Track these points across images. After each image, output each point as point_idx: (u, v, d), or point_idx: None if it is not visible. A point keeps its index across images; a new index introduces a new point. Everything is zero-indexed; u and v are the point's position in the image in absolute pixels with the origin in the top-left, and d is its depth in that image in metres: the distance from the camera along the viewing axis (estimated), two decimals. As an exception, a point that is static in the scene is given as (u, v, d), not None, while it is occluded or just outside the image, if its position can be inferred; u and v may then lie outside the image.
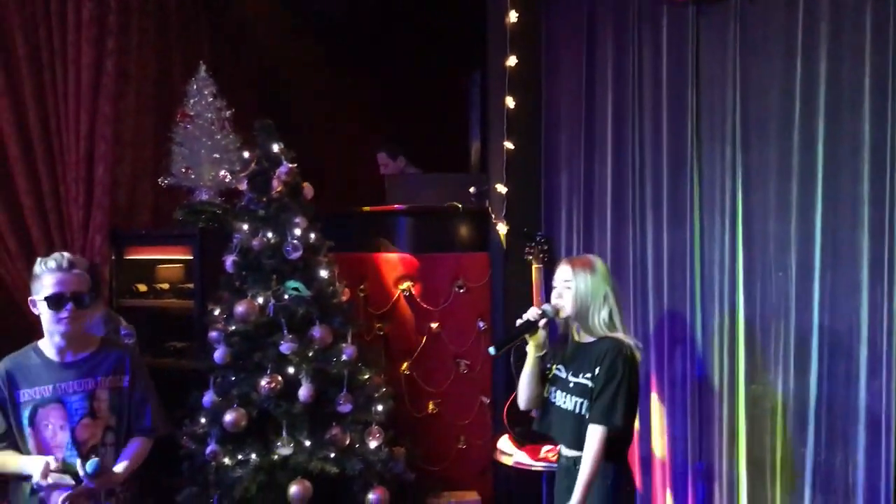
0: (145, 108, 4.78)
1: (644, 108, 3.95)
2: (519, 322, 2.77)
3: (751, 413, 3.53)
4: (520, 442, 4.06)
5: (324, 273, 3.85)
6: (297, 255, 3.74)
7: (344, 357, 3.76)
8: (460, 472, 4.46)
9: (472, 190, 4.64)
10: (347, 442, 3.68)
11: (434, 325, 4.43)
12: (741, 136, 3.57)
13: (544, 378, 2.90)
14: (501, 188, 4.44)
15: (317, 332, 3.70)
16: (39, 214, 4.32)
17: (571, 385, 2.77)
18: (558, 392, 2.82)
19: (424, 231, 4.70)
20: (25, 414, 2.65)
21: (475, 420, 4.49)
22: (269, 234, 3.77)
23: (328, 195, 4.46)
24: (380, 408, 3.82)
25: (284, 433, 3.58)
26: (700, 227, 3.73)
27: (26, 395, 2.67)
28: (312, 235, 3.86)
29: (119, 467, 2.70)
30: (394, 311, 4.48)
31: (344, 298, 3.92)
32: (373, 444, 3.74)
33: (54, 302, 2.62)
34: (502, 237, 4.47)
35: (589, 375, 2.71)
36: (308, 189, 3.93)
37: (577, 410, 2.73)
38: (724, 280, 3.62)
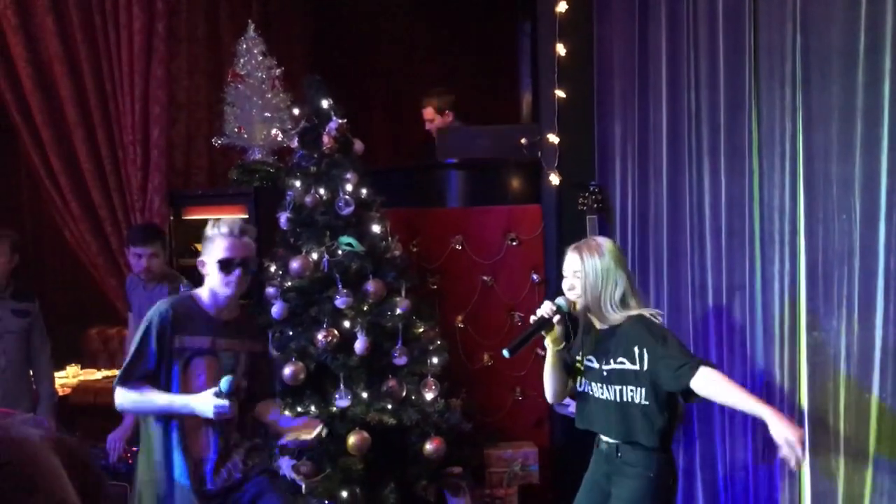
0: (196, 70, 4.83)
1: (700, 49, 3.83)
2: (533, 319, 2.73)
3: (812, 360, 3.45)
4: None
5: (376, 228, 3.88)
6: (349, 210, 3.77)
7: (398, 311, 3.80)
8: (516, 423, 4.49)
9: (523, 141, 4.58)
10: (404, 394, 3.73)
11: (487, 278, 4.43)
12: (801, 75, 3.42)
13: (569, 370, 2.86)
14: (553, 138, 4.38)
15: (370, 286, 3.73)
16: (99, 177, 4.44)
17: (606, 373, 2.73)
18: (593, 384, 2.77)
19: (476, 184, 4.68)
20: (182, 360, 2.76)
21: (530, 372, 4.49)
22: (322, 191, 3.80)
23: (379, 151, 4.46)
24: (435, 360, 3.86)
25: (342, 385, 3.65)
26: (759, 170, 3.62)
27: (186, 341, 2.77)
28: (364, 191, 3.88)
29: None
30: (446, 265, 4.48)
31: (397, 253, 3.94)
32: (429, 396, 3.78)
33: (224, 266, 2.76)
34: (555, 188, 4.42)
35: (623, 360, 2.67)
36: (358, 145, 3.94)
37: (618, 398, 2.69)
38: (784, 225, 3.52)
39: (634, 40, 4.11)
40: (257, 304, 3.97)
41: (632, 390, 2.67)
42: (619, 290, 2.68)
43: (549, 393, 2.90)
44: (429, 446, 3.72)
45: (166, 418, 2.74)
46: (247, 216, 4.40)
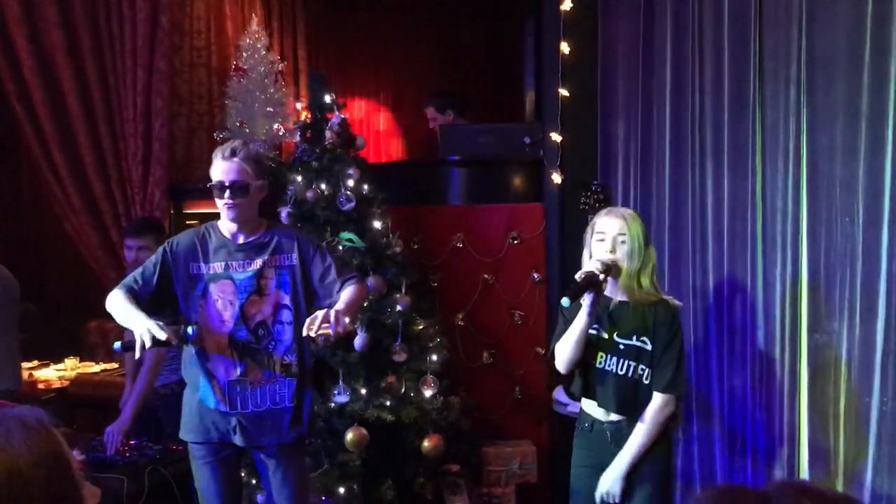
0: (199, 63, 4.83)
1: (704, 50, 3.81)
2: (580, 275, 2.62)
3: (813, 362, 3.44)
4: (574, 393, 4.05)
5: (377, 224, 3.87)
6: (350, 206, 3.76)
7: (398, 307, 3.79)
8: (516, 421, 4.49)
9: (526, 140, 4.57)
10: (403, 390, 3.72)
11: (488, 276, 4.42)
12: (806, 77, 3.41)
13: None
14: (556, 137, 4.37)
15: (371, 282, 3.72)
16: (101, 170, 4.43)
17: (622, 347, 2.68)
18: (602, 354, 2.71)
19: (478, 182, 4.67)
20: (200, 287, 2.82)
21: (530, 370, 4.49)
22: (323, 186, 3.79)
23: (383, 147, 4.46)
24: (434, 357, 3.85)
25: (341, 381, 3.64)
26: (762, 172, 3.61)
27: (202, 268, 2.83)
28: (365, 187, 3.87)
29: (339, 304, 2.73)
30: (447, 262, 4.47)
31: (398, 250, 3.93)
32: (428, 393, 3.78)
33: (217, 189, 2.80)
34: (557, 187, 4.41)
35: (645, 339, 2.64)
36: (361, 140, 3.93)
37: (630, 374, 2.66)
38: (787, 227, 3.51)
39: (639, 40, 4.10)
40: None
41: (643, 369, 2.66)
42: (651, 264, 2.65)
43: (567, 361, 2.74)
44: (427, 444, 3.71)
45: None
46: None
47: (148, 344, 2.53)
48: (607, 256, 2.65)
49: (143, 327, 2.56)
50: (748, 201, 3.65)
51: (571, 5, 4.24)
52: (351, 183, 3.80)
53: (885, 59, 3.14)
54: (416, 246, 4.45)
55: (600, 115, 4.39)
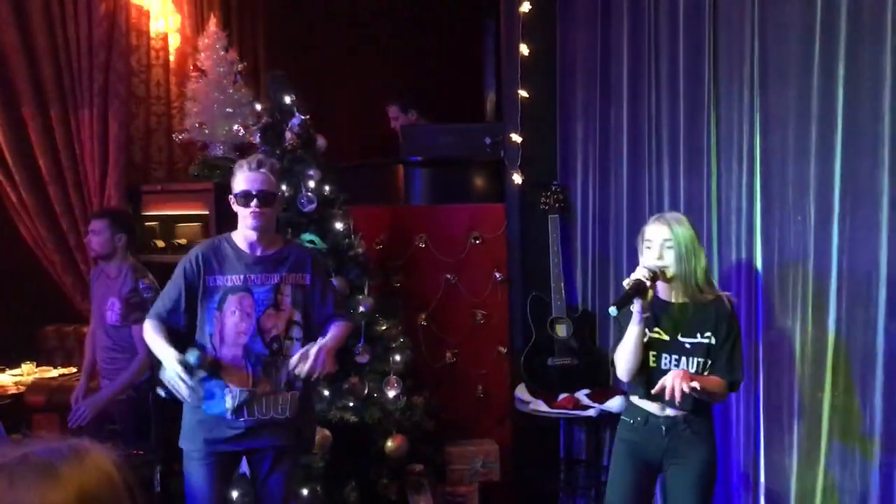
0: (157, 64, 4.77)
1: (660, 51, 3.88)
2: (628, 283, 2.68)
3: (768, 358, 3.52)
4: (536, 390, 4.09)
5: (339, 225, 3.86)
6: (311, 207, 3.75)
7: (361, 308, 3.79)
8: (478, 420, 4.52)
9: (487, 140, 4.61)
10: (366, 391, 3.73)
11: (450, 276, 4.45)
12: (759, 78, 3.49)
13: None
14: (517, 138, 4.40)
15: (333, 283, 3.72)
16: (56, 172, 4.35)
17: (688, 346, 2.74)
18: (663, 355, 2.76)
19: (440, 182, 4.69)
20: (216, 298, 2.84)
21: (493, 370, 4.52)
22: (284, 187, 3.77)
23: (343, 148, 4.45)
24: (398, 358, 3.86)
25: (303, 384, 3.62)
26: (717, 172, 3.68)
27: (219, 280, 2.85)
28: (327, 188, 3.86)
29: (328, 340, 2.84)
30: (409, 263, 4.49)
31: (360, 250, 3.93)
32: (391, 394, 3.79)
33: (242, 198, 2.83)
34: (518, 187, 4.45)
35: (709, 334, 2.72)
36: (321, 141, 3.92)
37: (699, 371, 2.72)
38: (741, 225, 3.58)
39: (597, 42, 4.15)
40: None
41: (709, 363, 2.73)
42: (704, 262, 2.74)
43: (626, 369, 2.77)
44: (391, 444, 3.72)
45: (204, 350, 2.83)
46: (207, 212, 4.36)
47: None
48: (654, 263, 2.72)
49: (172, 373, 2.70)
50: (704, 201, 3.71)
51: (530, 7, 4.28)
52: (312, 184, 3.80)
53: (833, 63, 3.22)
54: (378, 247, 4.45)
55: (560, 116, 4.43)
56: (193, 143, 4.52)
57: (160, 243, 4.54)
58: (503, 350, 4.53)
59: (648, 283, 2.67)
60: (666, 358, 2.77)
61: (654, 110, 3.91)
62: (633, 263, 3.98)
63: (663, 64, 3.87)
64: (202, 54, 4.43)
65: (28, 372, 5.03)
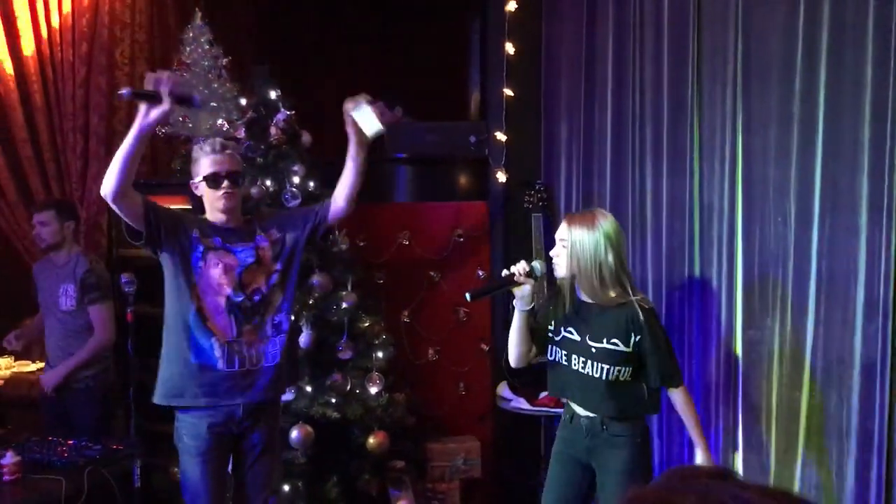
0: (140, 57, 4.73)
1: (645, 52, 3.90)
2: (504, 273, 2.72)
3: (748, 357, 3.55)
4: (518, 388, 4.11)
5: (323, 221, 3.85)
6: (295, 203, 3.74)
7: (344, 305, 3.79)
8: (460, 417, 4.53)
9: (471, 138, 4.61)
10: (348, 388, 3.73)
11: (433, 274, 4.45)
12: (742, 81, 3.52)
13: (533, 334, 2.85)
14: (501, 136, 4.42)
15: (316, 280, 3.72)
16: (38, 164, 4.32)
17: (594, 350, 2.72)
18: (573, 356, 2.76)
19: (423, 180, 4.69)
20: (200, 249, 2.89)
21: (474, 367, 4.54)
22: (268, 182, 3.77)
23: (327, 143, 4.43)
24: (380, 354, 3.87)
25: (286, 379, 3.62)
26: (700, 172, 3.71)
27: (199, 237, 2.90)
28: (311, 183, 3.86)
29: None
30: (393, 260, 4.49)
31: (343, 247, 3.93)
32: (373, 390, 3.79)
33: (212, 180, 2.87)
34: (501, 185, 4.46)
35: (617, 341, 2.68)
36: (306, 136, 3.91)
37: (606, 377, 2.70)
38: (723, 226, 3.61)
39: (582, 41, 4.17)
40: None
41: (618, 370, 2.70)
42: (609, 267, 2.65)
43: (513, 355, 2.85)
44: (372, 440, 3.73)
45: (186, 305, 2.88)
46: (190, 207, 4.33)
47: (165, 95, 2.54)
48: (552, 259, 2.75)
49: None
50: (686, 201, 3.74)
51: (516, 6, 4.29)
52: (296, 180, 3.79)
53: (815, 66, 3.26)
54: (361, 243, 4.45)
55: (544, 114, 4.45)
56: (177, 138, 4.48)
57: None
58: (485, 347, 4.54)
59: (523, 279, 2.67)
60: (576, 359, 2.76)
61: (637, 110, 3.94)
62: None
63: (647, 64, 3.89)
64: (186, 48, 4.40)
65: (5, 366, 4.98)
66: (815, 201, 3.28)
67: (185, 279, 2.89)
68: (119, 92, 2.84)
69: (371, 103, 2.86)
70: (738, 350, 3.59)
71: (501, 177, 4.44)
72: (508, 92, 4.38)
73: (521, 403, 4.03)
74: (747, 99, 3.51)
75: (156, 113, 2.58)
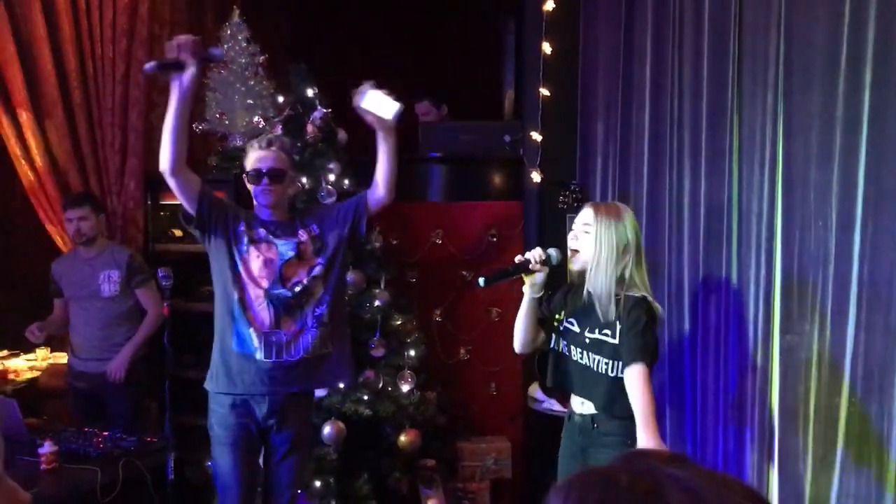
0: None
1: (684, 53, 3.86)
2: (518, 259, 2.68)
3: (784, 363, 3.50)
4: (550, 390, 4.09)
5: (358, 219, 3.86)
6: (330, 200, 3.76)
7: (377, 303, 3.80)
8: (491, 417, 4.52)
9: (506, 138, 4.60)
10: (380, 385, 3.73)
11: (466, 273, 4.44)
12: (783, 83, 3.47)
13: (541, 322, 2.82)
14: (536, 136, 4.40)
15: (350, 277, 3.73)
16: (77, 159, 4.37)
17: (588, 341, 2.69)
18: (572, 347, 2.73)
19: (458, 179, 4.69)
20: (244, 241, 2.97)
21: (506, 367, 4.52)
22: (304, 180, 3.78)
23: (363, 141, 4.45)
24: (412, 353, 3.87)
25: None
26: (739, 175, 3.67)
27: (246, 230, 3.00)
28: (347, 181, 3.87)
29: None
30: (426, 258, 4.49)
31: (377, 245, 3.94)
32: (405, 388, 3.79)
33: (253, 177, 2.97)
34: (536, 185, 4.45)
35: (607, 332, 2.63)
36: (342, 134, 3.93)
37: (596, 368, 2.67)
38: (761, 229, 3.57)
39: (620, 42, 4.14)
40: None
41: (606, 363, 2.64)
42: (626, 263, 2.59)
43: (517, 341, 2.83)
44: (403, 438, 3.73)
45: (230, 294, 2.94)
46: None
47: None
48: (570, 245, 2.68)
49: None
50: (724, 203, 3.70)
51: (554, 6, 4.27)
52: (332, 177, 3.80)
53: (860, 66, 3.21)
54: (395, 242, 4.46)
55: (580, 115, 4.43)
56: (213, 134, 4.52)
57: (177, 232, 4.56)
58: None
59: (538, 267, 2.63)
60: (574, 350, 2.72)
61: (676, 111, 3.90)
62: (651, 265, 3.99)
63: (686, 65, 3.85)
64: (224, 45, 4.43)
65: (42, 357, 5.06)
66: (858, 205, 3.23)
67: (230, 268, 2.95)
68: (144, 67, 2.88)
69: (376, 87, 2.84)
70: (776, 355, 3.55)
71: (536, 177, 4.42)
72: (545, 91, 4.36)
73: (554, 405, 4.01)
74: (789, 101, 3.46)
75: (186, 77, 2.65)
